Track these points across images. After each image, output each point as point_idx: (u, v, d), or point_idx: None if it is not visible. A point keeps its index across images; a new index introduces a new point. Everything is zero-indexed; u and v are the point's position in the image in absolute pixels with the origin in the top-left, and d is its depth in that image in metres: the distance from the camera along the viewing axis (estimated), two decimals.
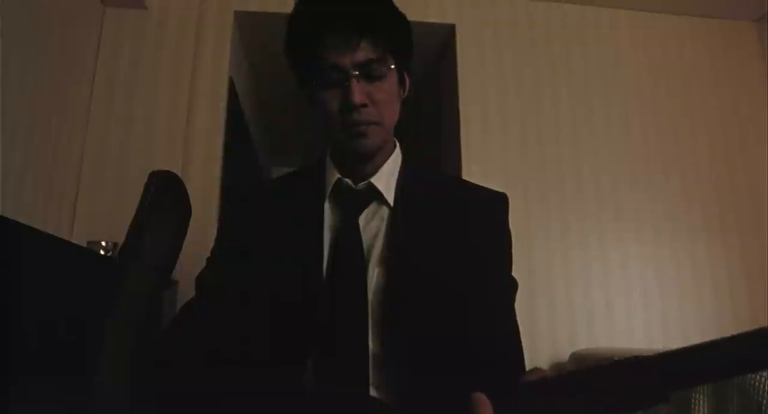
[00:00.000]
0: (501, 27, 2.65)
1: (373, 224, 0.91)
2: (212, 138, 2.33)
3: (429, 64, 2.97)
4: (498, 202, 0.97)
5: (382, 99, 0.86)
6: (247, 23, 2.58)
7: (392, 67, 0.87)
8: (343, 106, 0.84)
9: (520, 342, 0.89)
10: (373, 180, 0.92)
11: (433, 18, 2.60)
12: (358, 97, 0.82)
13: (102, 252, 1.83)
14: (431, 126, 2.99)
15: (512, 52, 2.63)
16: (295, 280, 0.87)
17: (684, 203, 2.54)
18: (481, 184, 1.03)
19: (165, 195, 1.18)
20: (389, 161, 0.95)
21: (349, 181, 0.92)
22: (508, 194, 0.99)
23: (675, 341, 2.37)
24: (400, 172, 0.96)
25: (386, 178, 0.93)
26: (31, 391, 1.11)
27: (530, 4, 2.69)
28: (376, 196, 0.92)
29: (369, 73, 0.84)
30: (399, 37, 0.89)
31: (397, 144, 0.99)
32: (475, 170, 2.44)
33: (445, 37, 2.71)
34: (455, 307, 0.85)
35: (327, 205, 0.93)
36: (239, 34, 2.64)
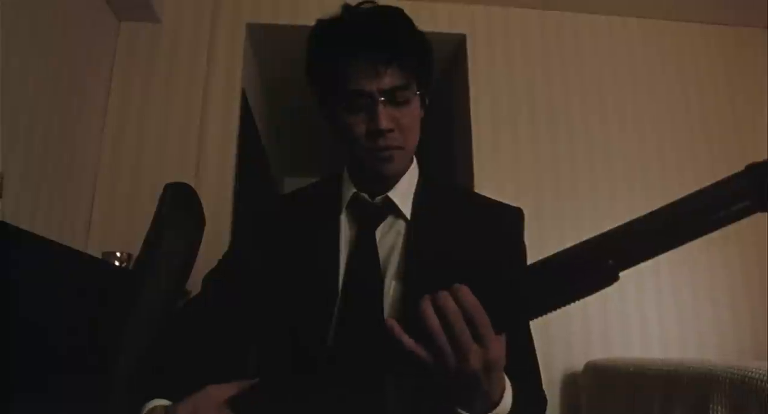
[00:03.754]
0: (512, 36, 2.65)
1: (389, 238, 0.91)
2: (225, 149, 2.34)
3: (440, 74, 2.98)
4: (513, 217, 0.97)
5: (407, 124, 0.86)
6: (259, 35, 2.61)
7: (417, 93, 0.87)
8: (370, 130, 0.84)
9: (534, 354, 0.89)
10: (390, 194, 0.92)
11: (443, 28, 2.61)
12: (385, 123, 0.82)
13: (117, 263, 1.85)
14: (443, 136, 2.99)
15: (524, 61, 2.63)
16: (311, 293, 0.87)
17: None
18: (493, 193, 1.04)
19: (179, 207, 1.19)
20: (406, 176, 0.95)
21: (365, 195, 0.93)
22: (521, 205, 0.99)
23: (691, 349, 2.34)
24: (416, 187, 0.96)
25: (403, 193, 0.94)
26: (35, 400, 1.12)
27: (542, 13, 2.69)
28: (393, 209, 0.93)
29: (394, 98, 0.84)
30: (424, 64, 0.89)
31: (414, 159, 1.00)
32: (487, 180, 2.44)
33: (456, 47, 2.72)
34: None
35: (343, 219, 0.94)
36: (251, 46, 2.67)
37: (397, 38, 0.85)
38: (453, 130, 2.86)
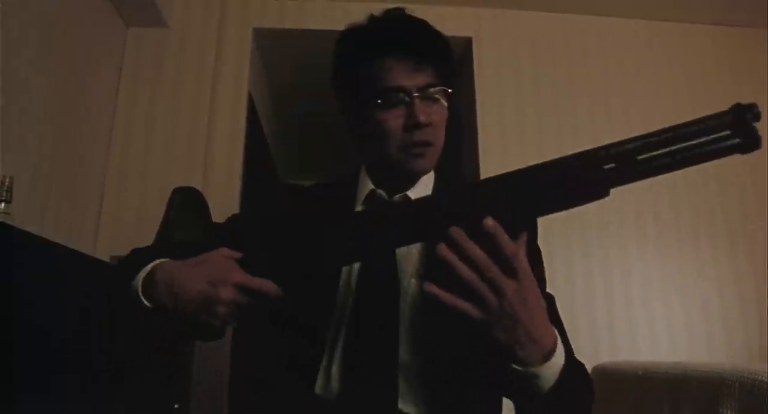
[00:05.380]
0: (518, 39, 2.65)
1: None
2: (232, 152, 2.35)
3: None
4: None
5: (438, 121, 0.89)
6: (266, 39, 2.62)
7: (449, 91, 0.91)
8: (408, 125, 0.86)
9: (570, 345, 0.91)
10: (410, 192, 0.94)
11: (449, 31, 2.58)
12: (423, 117, 0.85)
13: None
14: (449, 138, 2.99)
15: (530, 63, 2.62)
16: (311, 284, 0.88)
17: (706, 215, 2.49)
18: None
19: (187, 210, 1.20)
20: (425, 177, 0.97)
21: (382, 192, 0.94)
22: None
23: (700, 353, 2.32)
24: (433, 188, 0.98)
25: (421, 193, 0.95)
26: (39, 401, 1.12)
27: (548, 15, 2.69)
28: None
29: (428, 95, 0.88)
30: (452, 65, 0.94)
31: None
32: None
33: (462, 50, 2.72)
34: None
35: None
36: (258, 50, 2.68)
37: (432, 39, 0.91)
38: (459, 132, 2.85)
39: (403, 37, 0.89)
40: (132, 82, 2.34)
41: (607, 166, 0.63)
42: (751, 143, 0.57)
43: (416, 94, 0.86)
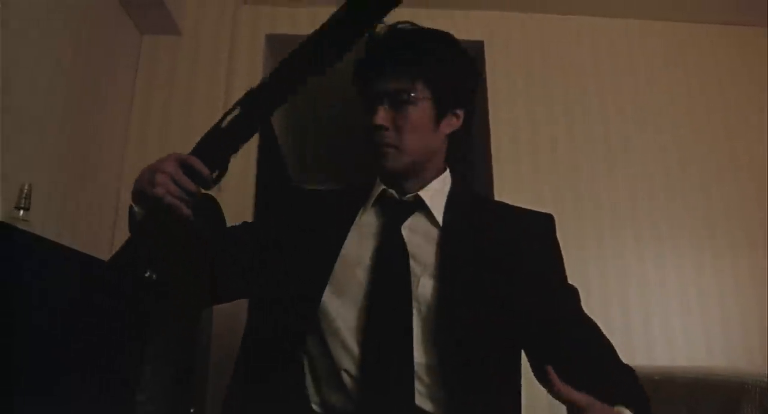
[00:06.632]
0: (530, 42, 2.64)
1: (419, 235, 0.95)
2: (246, 158, 2.37)
3: None
4: (546, 221, 1.04)
5: (403, 125, 0.93)
6: (278, 45, 2.64)
7: (424, 97, 0.94)
8: (367, 126, 0.94)
9: (604, 335, 0.92)
10: (421, 193, 0.97)
11: (460, 35, 2.57)
12: (377, 120, 0.92)
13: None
14: (458, 140, 2.98)
15: (542, 66, 2.61)
16: (305, 269, 0.94)
17: (724, 217, 2.46)
18: (512, 198, 1.10)
19: (200, 217, 1.21)
20: (438, 179, 1.01)
21: (393, 192, 0.98)
22: (540, 209, 1.06)
23: (718, 356, 2.29)
24: (449, 194, 1.01)
25: (433, 194, 0.99)
26: (53, 404, 1.13)
27: (560, 19, 2.68)
28: (422, 207, 0.97)
29: (394, 100, 0.93)
30: (436, 71, 0.95)
31: (448, 168, 1.06)
32: (507, 182, 2.42)
33: (473, 54, 2.70)
34: (515, 322, 0.89)
35: (371, 215, 0.99)
36: (271, 56, 2.70)
37: (403, 45, 0.95)
38: (471, 136, 2.85)
39: (380, 46, 0.95)
40: (147, 89, 2.36)
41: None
42: None
43: (381, 99, 0.93)
